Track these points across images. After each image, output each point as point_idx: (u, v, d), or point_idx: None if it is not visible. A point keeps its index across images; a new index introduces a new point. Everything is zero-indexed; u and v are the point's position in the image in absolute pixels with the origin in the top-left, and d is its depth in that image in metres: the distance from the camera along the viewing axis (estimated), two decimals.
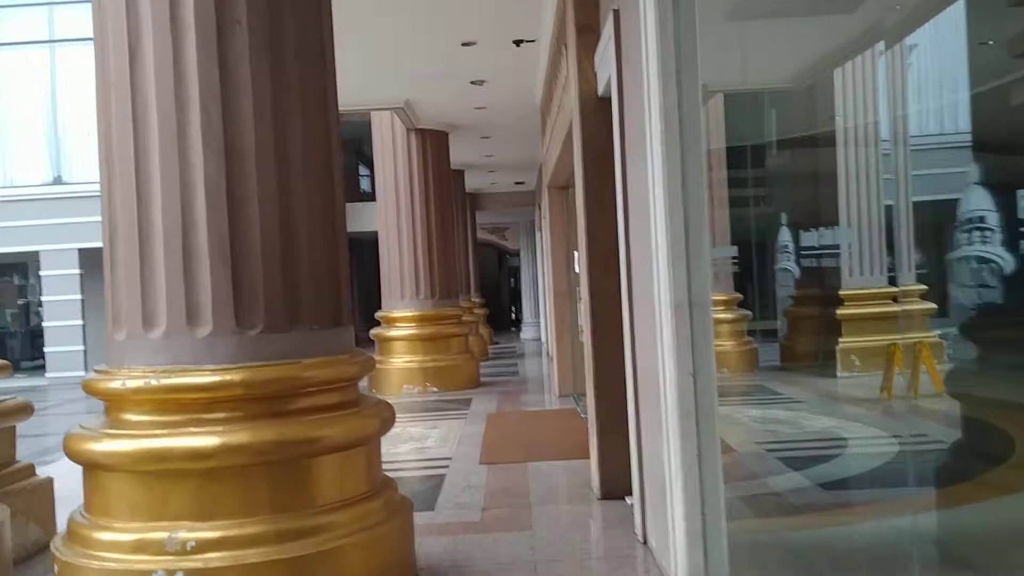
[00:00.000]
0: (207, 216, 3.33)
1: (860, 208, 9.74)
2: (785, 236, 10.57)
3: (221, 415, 3.32)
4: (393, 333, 11.25)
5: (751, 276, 9.42)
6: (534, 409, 9.31)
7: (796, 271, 10.33)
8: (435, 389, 10.98)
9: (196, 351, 3.33)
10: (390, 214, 11.33)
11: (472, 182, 17.42)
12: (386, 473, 4.02)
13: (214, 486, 3.26)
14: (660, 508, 3.70)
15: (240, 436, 3.27)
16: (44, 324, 18.07)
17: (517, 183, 18.60)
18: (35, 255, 17.99)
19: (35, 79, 18.34)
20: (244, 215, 3.38)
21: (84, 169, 18.05)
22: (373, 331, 11.54)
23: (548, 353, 15.22)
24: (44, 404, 14.84)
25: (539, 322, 20.25)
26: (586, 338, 5.42)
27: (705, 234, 3.33)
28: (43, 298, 18.12)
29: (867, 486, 5.17)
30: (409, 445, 7.34)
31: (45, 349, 18.04)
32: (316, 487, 3.43)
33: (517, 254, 25.85)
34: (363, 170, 24.13)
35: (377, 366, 11.01)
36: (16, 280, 20.30)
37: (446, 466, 6.38)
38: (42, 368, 18.23)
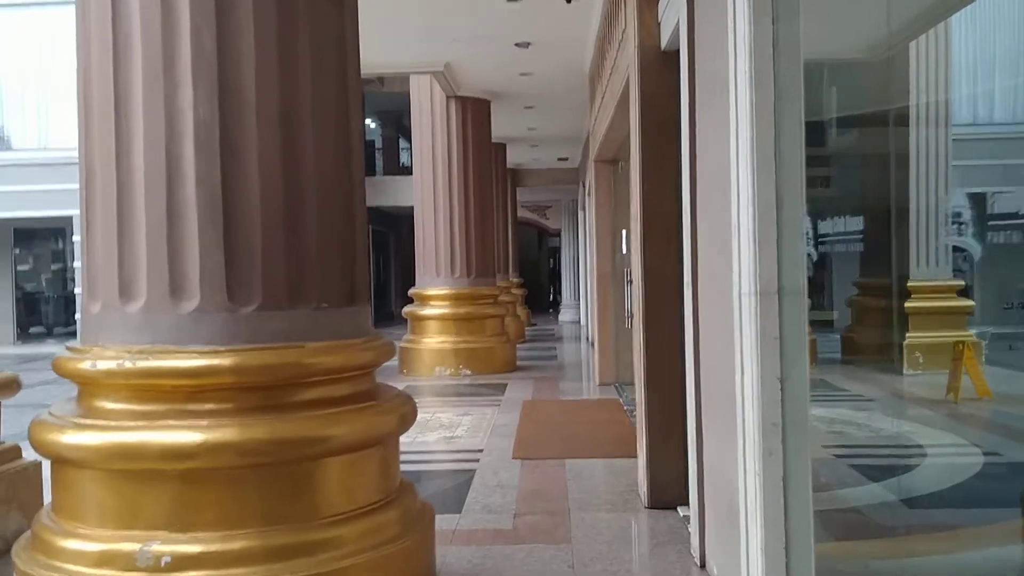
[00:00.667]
0: (195, 166, 2.77)
1: (927, 193, 9.03)
2: (849, 221, 9.83)
3: (207, 407, 2.78)
4: (426, 312, 10.72)
5: (809, 263, 8.74)
6: (573, 398, 8.72)
7: (857, 259, 9.62)
8: (468, 372, 10.44)
9: (180, 329, 2.79)
10: (426, 186, 10.76)
11: (513, 157, 16.80)
12: (405, 474, 3.47)
13: (196, 491, 2.73)
14: (728, 530, 3.10)
15: (228, 433, 2.73)
16: (76, 291, 17.88)
17: (560, 159, 17.93)
18: (69, 220, 17.78)
19: (70, 40, 18.06)
20: (241, 168, 2.82)
21: None
22: (406, 309, 11.03)
23: (588, 338, 14.61)
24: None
25: (578, 305, 19.64)
26: (636, 326, 4.81)
27: (801, 207, 2.70)
28: (75, 264, 17.93)
29: (958, 504, 4.51)
30: (438, 434, 6.81)
31: (77, 316, 17.85)
32: (318, 495, 2.88)
33: (558, 234, 25.19)
34: (403, 143, 23.66)
35: (409, 346, 10.51)
36: (55, 245, 20.18)
37: (476, 459, 5.84)
38: (74, 335, 18.08)
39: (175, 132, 2.78)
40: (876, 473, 5.03)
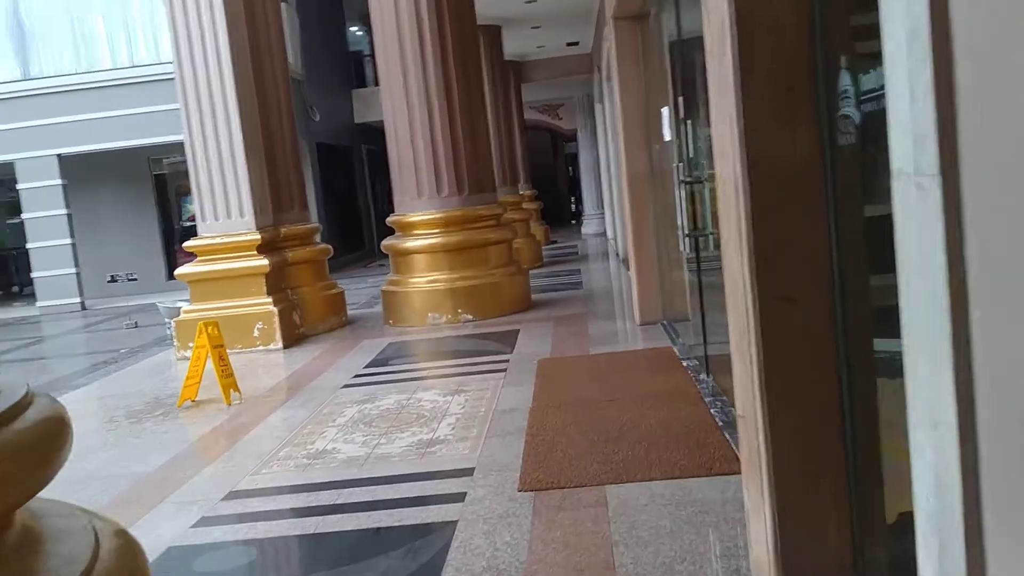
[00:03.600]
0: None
1: None
2: None
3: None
4: (411, 244, 8.35)
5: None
6: (607, 350, 6.38)
7: None
8: (470, 317, 8.12)
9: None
10: (395, 83, 8.24)
11: (513, 46, 14.08)
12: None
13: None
14: None
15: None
16: (28, 246, 15.69)
17: (570, 44, 15.17)
18: (10, 166, 15.47)
19: None
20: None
21: (55, 62, 15.27)
22: (385, 242, 8.65)
23: (620, 254, 12.18)
24: (18, 341, 12.55)
25: (603, 214, 17.13)
26: (734, 270, 2.40)
27: None
28: (24, 216, 15.69)
29: None
30: (411, 436, 4.52)
31: (32, 275, 15.73)
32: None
33: (574, 136, 22.48)
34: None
35: (393, 288, 8.23)
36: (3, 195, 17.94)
37: (460, 496, 3.56)
38: (34, 296, 16.01)
39: None
40: None
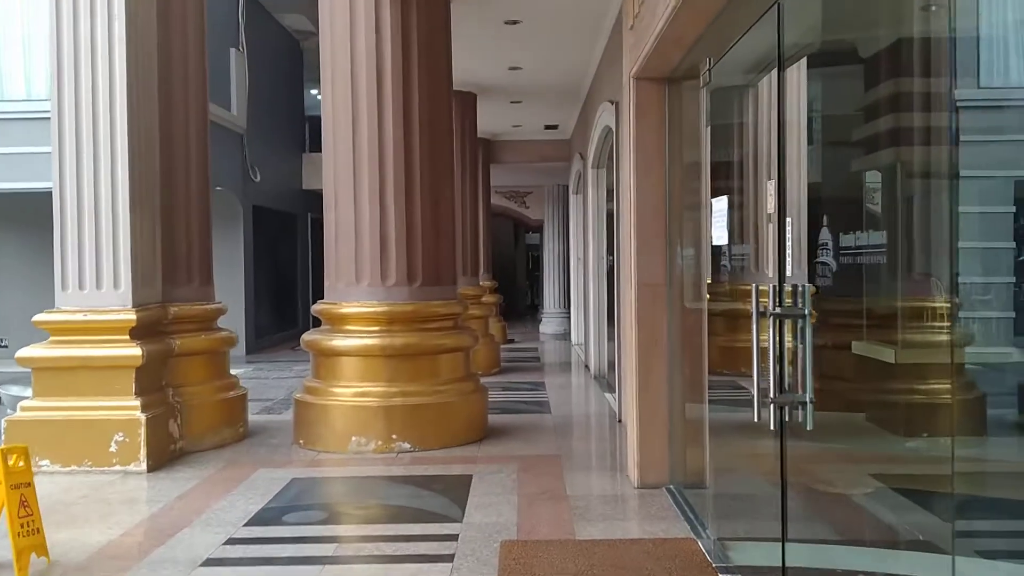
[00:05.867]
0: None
1: None
2: None
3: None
4: (340, 343, 6.40)
5: None
6: (598, 530, 4.45)
7: None
8: (407, 446, 6.16)
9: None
10: (340, 129, 6.44)
11: (487, 121, 12.51)
12: None
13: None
14: None
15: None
16: None
17: (548, 127, 13.68)
18: None
19: None
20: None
21: None
22: (306, 336, 6.69)
23: (589, 367, 10.35)
24: None
25: (567, 313, 15.34)
26: None
27: None
28: None
29: None
30: None
31: None
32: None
33: (540, 227, 20.93)
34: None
35: (310, 399, 6.27)
36: None
37: None
38: None
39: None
40: None
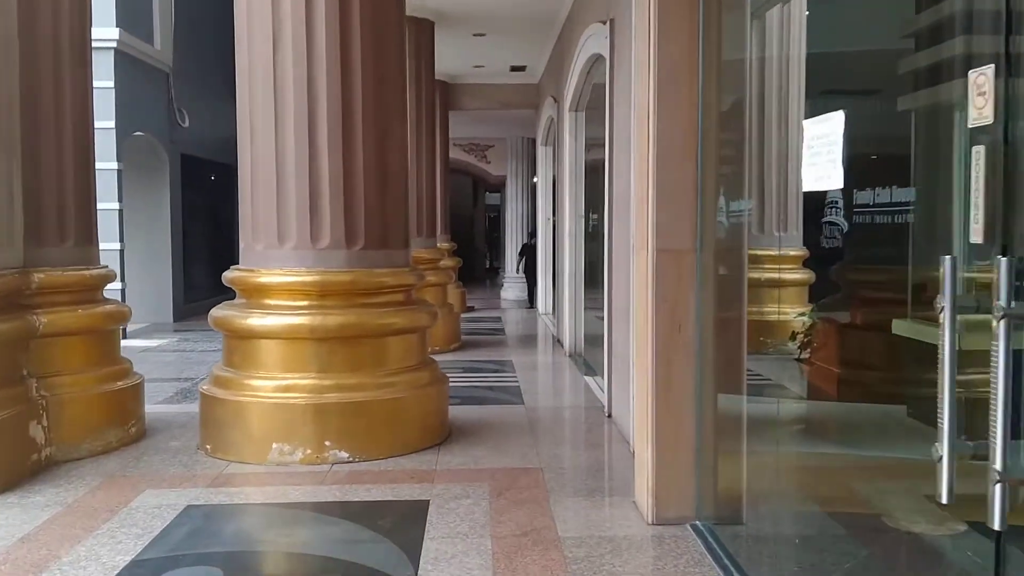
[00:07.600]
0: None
1: None
2: None
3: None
4: (257, 322, 4.95)
5: None
6: None
7: None
8: (344, 455, 4.77)
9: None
10: (260, 51, 4.92)
11: (447, 60, 10.97)
12: None
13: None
14: None
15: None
16: None
17: (515, 68, 12.18)
18: None
19: None
20: None
21: None
22: (215, 312, 5.23)
23: (561, 342, 9.04)
24: None
25: (538, 283, 13.99)
26: None
27: None
28: None
29: None
30: None
31: None
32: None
33: (501, 186, 19.46)
34: None
35: (220, 393, 4.83)
36: None
37: None
38: None
39: None
40: None
